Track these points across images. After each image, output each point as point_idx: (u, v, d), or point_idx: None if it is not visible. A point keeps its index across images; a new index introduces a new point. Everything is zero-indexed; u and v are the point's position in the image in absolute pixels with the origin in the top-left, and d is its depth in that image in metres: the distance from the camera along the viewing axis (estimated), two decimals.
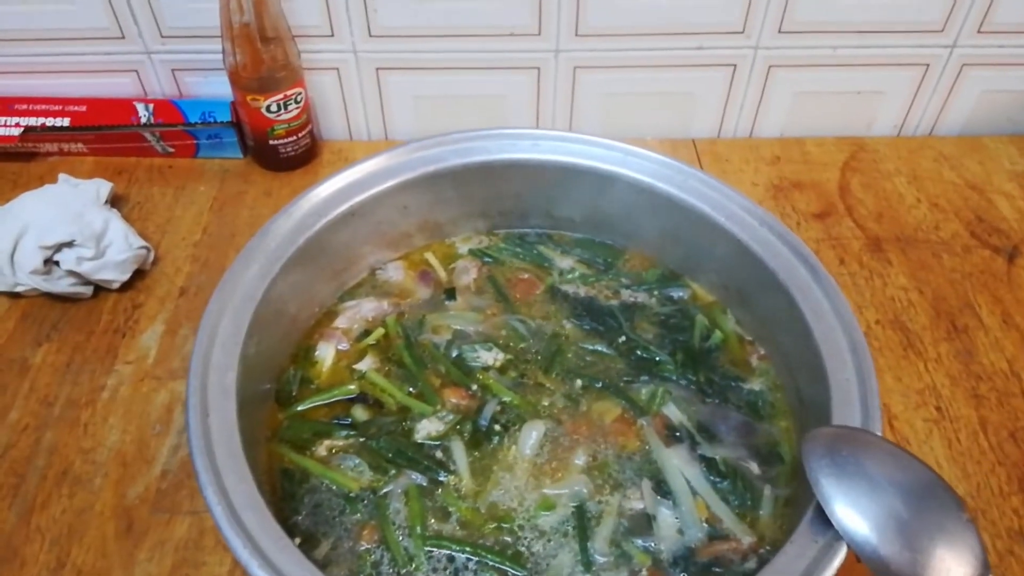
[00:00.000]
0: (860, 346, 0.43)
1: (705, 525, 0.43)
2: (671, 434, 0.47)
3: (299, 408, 0.48)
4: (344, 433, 0.46)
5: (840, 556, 0.36)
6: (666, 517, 0.43)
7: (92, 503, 0.52)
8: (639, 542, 0.42)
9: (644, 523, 0.43)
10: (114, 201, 0.70)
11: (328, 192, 0.51)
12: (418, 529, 0.42)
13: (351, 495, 0.44)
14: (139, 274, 0.65)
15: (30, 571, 0.49)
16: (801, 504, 0.39)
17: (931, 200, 0.75)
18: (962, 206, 0.75)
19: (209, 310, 0.45)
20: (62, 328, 0.61)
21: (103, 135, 0.73)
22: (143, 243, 0.64)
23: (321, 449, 0.46)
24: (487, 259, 0.56)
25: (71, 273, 0.61)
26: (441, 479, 0.45)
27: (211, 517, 0.37)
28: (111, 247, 0.62)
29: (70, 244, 0.61)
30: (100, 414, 0.56)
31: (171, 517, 0.52)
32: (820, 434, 0.39)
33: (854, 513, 0.36)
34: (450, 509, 0.43)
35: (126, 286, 0.64)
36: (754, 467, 0.46)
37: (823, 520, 0.37)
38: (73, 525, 0.51)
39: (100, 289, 0.64)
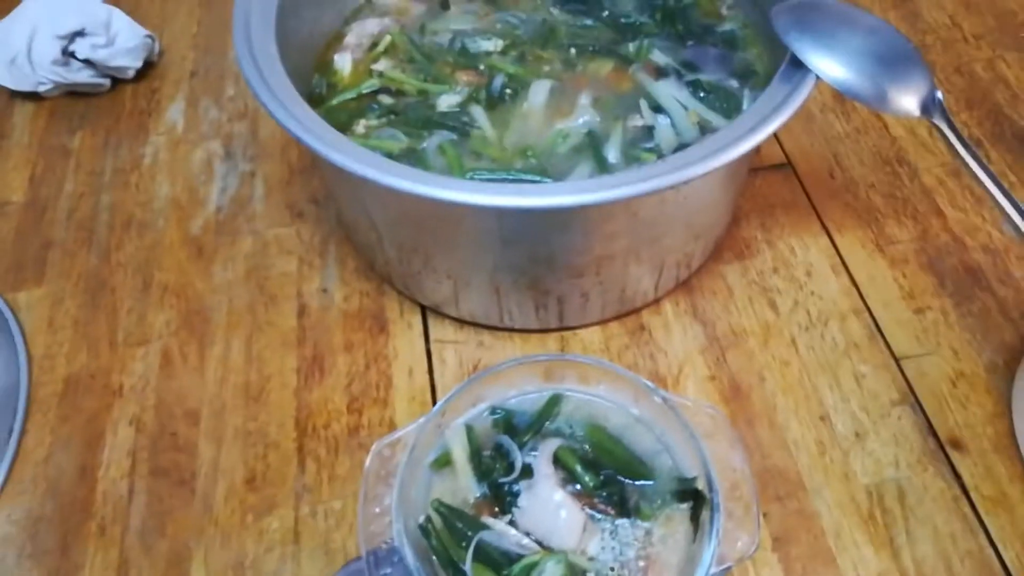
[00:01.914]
0: None
1: (696, 127, 0.50)
2: (659, 73, 0.53)
3: (332, 103, 0.53)
4: (376, 113, 0.52)
5: (810, 84, 0.43)
6: (663, 126, 0.50)
7: (161, 239, 0.58)
8: (644, 145, 0.50)
9: (646, 133, 0.50)
10: None
11: None
12: (457, 167, 0.49)
13: (393, 154, 0.50)
14: (148, 66, 0.69)
15: (121, 294, 0.55)
16: None
17: None
18: None
19: (236, 32, 0.49)
20: (90, 117, 0.66)
21: None
22: (148, 32, 0.68)
23: (359, 127, 0.52)
24: None
25: (87, 64, 0.65)
26: (469, 132, 0.51)
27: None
28: (119, 35, 0.66)
29: (82, 34, 0.65)
30: (147, 175, 0.62)
31: (235, 238, 0.58)
32: (786, 5, 0.46)
33: (825, 57, 0.43)
34: (481, 152, 0.50)
35: (139, 76, 0.68)
36: (734, 83, 0.53)
37: (793, 71, 0.44)
38: (149, 257, 0.57)
39: (116, 82, 0.68)
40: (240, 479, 0.47)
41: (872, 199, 0.58)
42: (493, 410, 0.43)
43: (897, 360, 0.50)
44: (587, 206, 0.40)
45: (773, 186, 0.59)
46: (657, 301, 0.54)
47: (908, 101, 0.43)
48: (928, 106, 0.44)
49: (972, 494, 0.45)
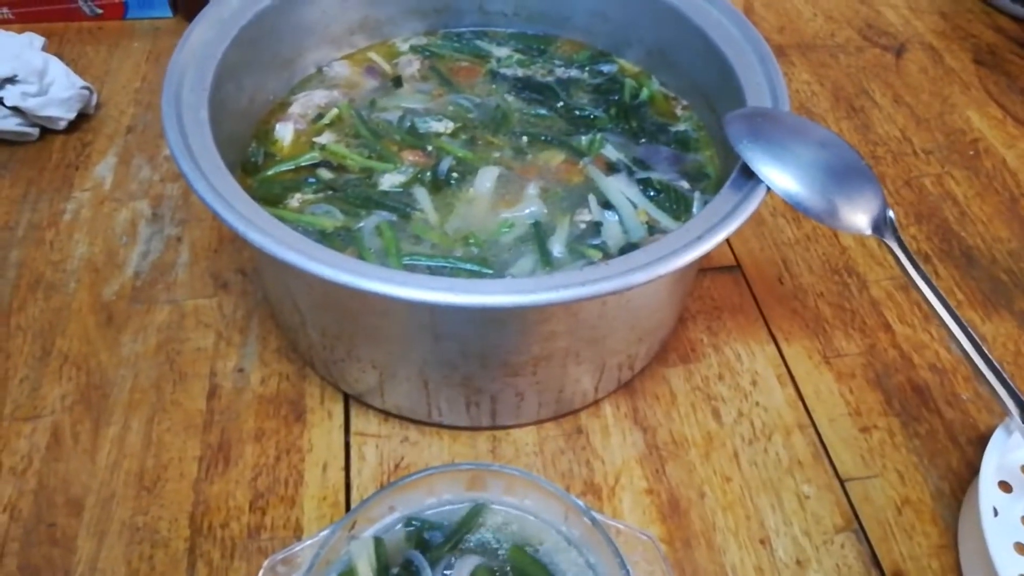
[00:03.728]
0: (767, 56, 0.49)
1: (645, 226, 0.49)
2: (611, 169, 0.52)
3: (267, 173, 0.50)
4: (313, 187, 0.50)
5: (761, 194, 0.42)
6: (611, 223, 0.49)
7: (69, 302, 0.54)
8: (591, 241, 0.48)
9: (593, 230, 0.48)
10: None
11: None
12: (394, 251, 0.46)
13: (327, 232, 0.47)
14: (83, 118, 0.66)
15: (16, 361, 0.51)
16: None
17: (826, 14, 0.82)
18: (853, 16, 0.82)
19: (166, 93, 0.46)
20: (12, 167, 0.62)
21: None
22: (85, 83, 0.65)
23: (293, 202, 0.49)
24: (428, 54, 0.60)
25: (15, 112, 0.62)
26: (410, 215, 0.49)
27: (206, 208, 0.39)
28: (54, 84, 0.63)
29: (12, 80, 0.61)
30: (64, 233, 0.58)
31: (150, 307, 0.54)
32: (739, 113, 0.45)
33: (776, 168, 0.42)
34: (421, 236, 0.48)
35: (72, 128, 0.65)
36: (685, 184, 0.51)
37: (744, 180, 0.43)
38: (53, 321, 0.53)
39: (46, 132, 0.65)
40: None
41: (820, 308, 0.57)
42: (408, 521, 0.39)
43: (842, 481, 0.48)
44: (526, 307, 0.38)
45: (722, 288, 0.57)
46: (597, 403, 0.51)
47: (859, 218, 0.42)
48: (879, 224, 0.43)
49: None
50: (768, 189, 0.42)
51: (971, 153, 0.68)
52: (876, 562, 0.45)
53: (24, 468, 0.46)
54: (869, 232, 0.42)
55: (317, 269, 0.36)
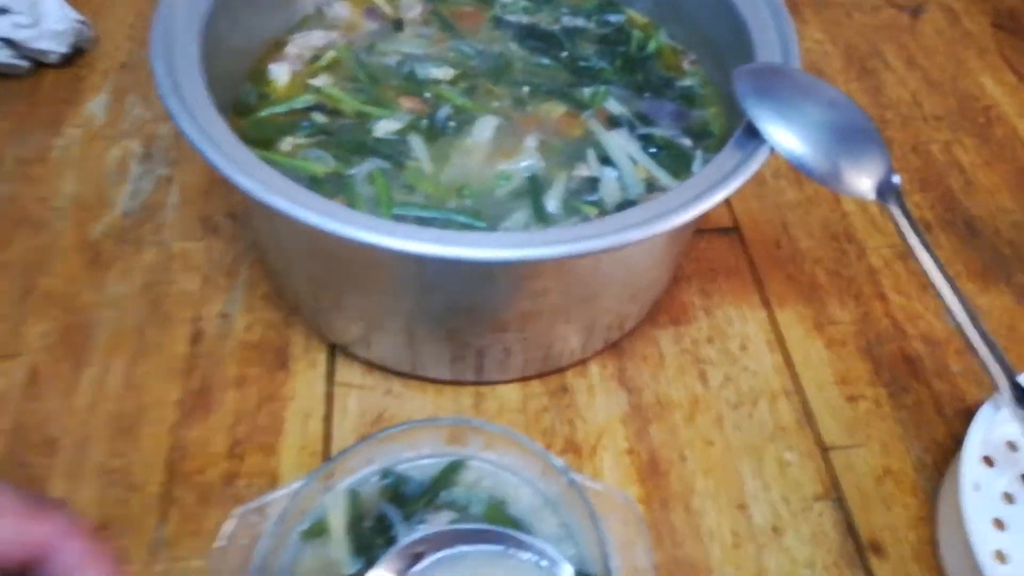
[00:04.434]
0: (780, 10, 0.47)
1: (644, 183, 0.48)
2: (612, 123, 0.51)
3: (260, 115, 0.49)
4: (306, 131, 0.49)
5: (765, 154, 0.40)
6: (609, 179, 0.48)
7: (55, 241, 0.53)
8: (587, 197, 0.47)
9: (590, 185, 0.47)
10: None
11: None
12: (385, 200, 0.45)
13: (318, 177, 0.46)
14: (78, 53, 0.64)
15: None
16: None
17: None
18: None
19: (155, 27, 0.43)
20: (2, 100, 0.61)
21: None
22: (80, 16, 0.63)
23: (285, 145, 0.48)
24: None
25: (7, 43, 0.60)
26: (404, 163, 0.48)
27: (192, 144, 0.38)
28: (47, 16, 0.61)
29: (3, 11, 0.60)
30: (52, 169, 0.57)
31: (138, 248, 0.53)
32: (747, 68, 0.44)
33: (782, 127, 0.41)
34: (414, 186, 0.47)
35: (66, 63, 0.63)
36: (687, 142, 0.50)
37: (749, 139, 0.41)
38: (37, 259, 0.52)
39: (39, 66, 0.63)
40: (91, 525, 0.42)
41: (816, 275, 0.56)
42: (384, 474, 0.39)
43: (824, 449, 0.48)
44: (517, 263, 0.37)
45: (718, 250, 0.57)
46: (583, 362, 0.51)
47: (863, 182, 0.41)
48: (884, 190, 0.42)
49: None
50: (772, 149, 0.41)
51: (982, 120, 0.66)
52: (852, 531, 0.45)
53: (0, 408, 0.46)
54: (873, 197, 0.41)
55: (303, 215, 0.36)
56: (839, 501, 0.46)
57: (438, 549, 0.34)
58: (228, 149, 0.38)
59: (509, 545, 0.35)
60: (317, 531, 0.35)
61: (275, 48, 0.53)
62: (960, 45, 0.73)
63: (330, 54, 0.53)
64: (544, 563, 0.35)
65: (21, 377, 0.47)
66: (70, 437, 0.45)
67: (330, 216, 0.36)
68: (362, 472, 0.38)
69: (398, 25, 0.56)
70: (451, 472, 0.38)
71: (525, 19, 0.57)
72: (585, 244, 0.37)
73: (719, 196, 0.39)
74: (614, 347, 0.51)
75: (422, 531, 0.35)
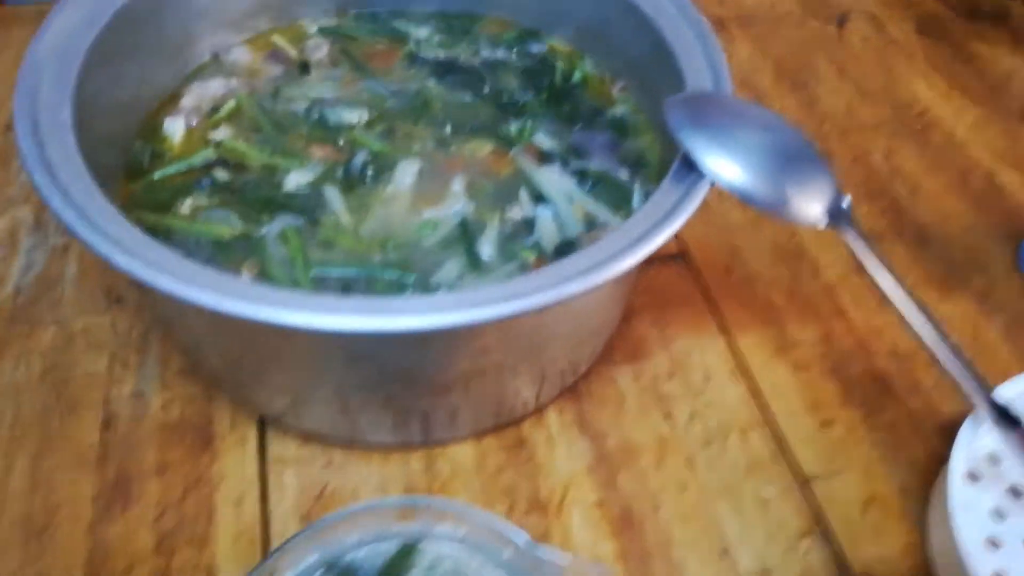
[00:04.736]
0: (706, 33, 0.45)
1: (582, 220, 0.44)
2: (543, 158, 0.48)
3: (154, 177, 0.45)
4: (207, 190, 0.44)
5: (705, 187, 0.38)
6: (545, 218, 0.44)
7: None
8: (524, 241, 0.43)
9: (525, 227, 0.44)
10: None
11: None
12: (301, 260, 0.41)
13: (224, 241, 0.42)
14: None
15: None
16: None
17: None
18: None
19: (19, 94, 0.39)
20: None
21: None
22: None
23: (184, 208, 0.43)
24: (339, 36, 0.54)
25: None
26: (319, 218, 0.43)
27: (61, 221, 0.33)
28: None
29: None
30: None
31: (33, 328, 0.48)
32: (679, 98, 0.41)
33: (720, 158, 0.38)
34: (332, 242, 0.42)
35: None
36: (624, 173, 0.47)
37: (687, 171, 0.39)
38: None
39: None
40: None
41: (772, 297, 0.53)
42: (329, 567, 0.34)
43: (803, 481, 0.45)
44: (451, 329, 0.33)
45: (667, 279, 0.54)
46: (540, 411, 0.47)
47: (813, 208, 0.39)
48: (835, 213, 0.39)
49: None
50: (710, 182, 0.38)
51: (919, 127, 0.66)
52: (844, 567, 0.42)
53: None
54: (824, 224, 0.39)
55: (196, 297, 0.31)
56: (825, 535, 0.43)
57: None
58: (107, 223, 0.34)
59: None
60: None
61: (169, 101, 0.49)
62: (888, 53, 0.72)
63: (230, 104, 0.49)
64: None
65: None
66: None
67: (229, 295, 0.31)
68: (305, 564, 0.33)
69: (304, 68, 0.52)
70: (404, 557, 0.34)
71: (442, 54, 0.54)
72: (526, 301, 0.33)
73: (662, 236, 0.35)
74: (571, 391, 0.47)
75: None
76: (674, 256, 0.55)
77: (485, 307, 0.32)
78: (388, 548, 0.35)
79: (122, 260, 0.31)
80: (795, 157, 0.40)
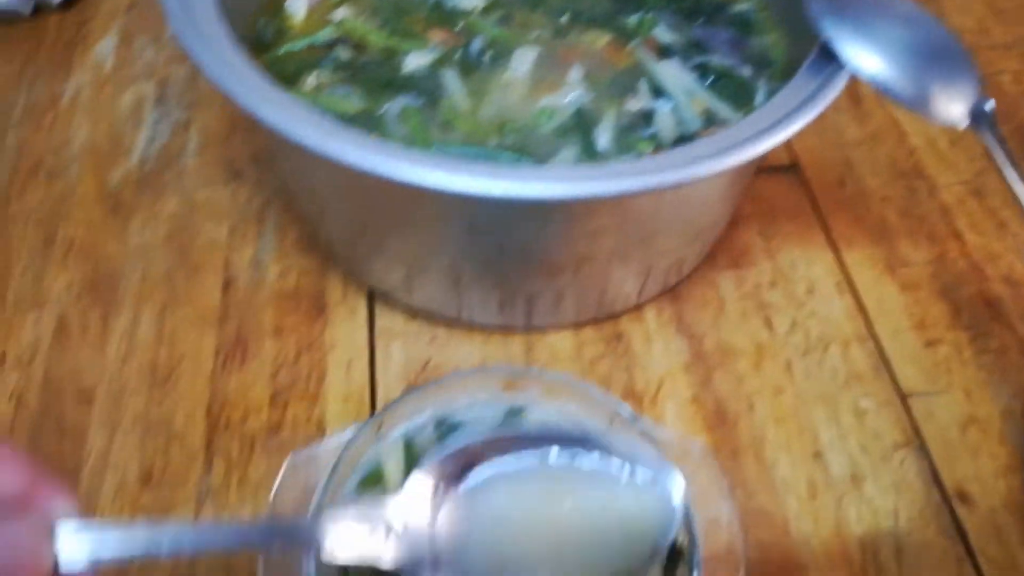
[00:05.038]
0: None
1: (702, 116, 0.44)
2: (663, 52, 0.47)
3: (279, 52, 0.46)
4: (331, 68, 0.45)
5: (842, 81, 0.36)
6: (664, 112, 0.44)
7: (72, 190, 0.51)
8: (641, 132, 0.43)
9: (643, 119, 0.43)
10: None
11: None
12: (421, 139, 0.42)
13: (347, 116, 0.43)
14: None
15: (17, 249, 0.48)
16: None
17: None
18: None
19: None
20: (5, 45, 0.58)
21: None
22: None
23: (309, 82, 0.44)
24: None
25: None
26: (438, 100, 0.44)
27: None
28: None
29: None
30: (64, 116, 0.54)
31: (159, 196, 0.51)
32: None
33: (863, 48, 0.37)
34: (451, 123, 0.43)
35: (69, 5, 0.60)
36: (747, 71, 0.46)
37: (823, 64, 0.37)
38: (55, 209, 0.50)
39: (40, 8, 0.60)
40: (134, 475, 0.40)
41: (885, 214, 0.52)
42: (439, 423, 0.36)
43: (903, 397, 0.44)
44: (577, 200, 0.34)
45: (778, 190, 0.53)
46: (639, 307, 0.47)
47: (955, 108, 0.37)
48: (976, 116, 0.38)
49: (978, 556, 0.40)
50: (851, 74, 0.37)
51: None
52: (937, 481, 0.42)
53: (30, 358, 0.43)
54: (965, 124, 0.37)
55: (339, 152, 0.32)
56: (922, 450, 0.43)
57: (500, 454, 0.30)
58: (251, 85, 0.35)
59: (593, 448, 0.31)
60: (373, 481, 0.33)
61: None
62: None
63: None
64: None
65: (49, 328, 0.44)
66: (105, 388, 0.42)
67: (370, 152, 0.33)
68: (415, 421, 0.35)
69: None
70: (510, 420, 0.35)
71: None
72: (648, 179, 0.33)
73: (794, 127, 0.35)
74: (671, 292, 0.48)
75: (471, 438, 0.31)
76: (785, 167, 0.54)
77: (611, 180, 0.32)
78: (495, 412, 0.37)
79: (272, 116, 0.32)
80: (940, 54, 0.38)
